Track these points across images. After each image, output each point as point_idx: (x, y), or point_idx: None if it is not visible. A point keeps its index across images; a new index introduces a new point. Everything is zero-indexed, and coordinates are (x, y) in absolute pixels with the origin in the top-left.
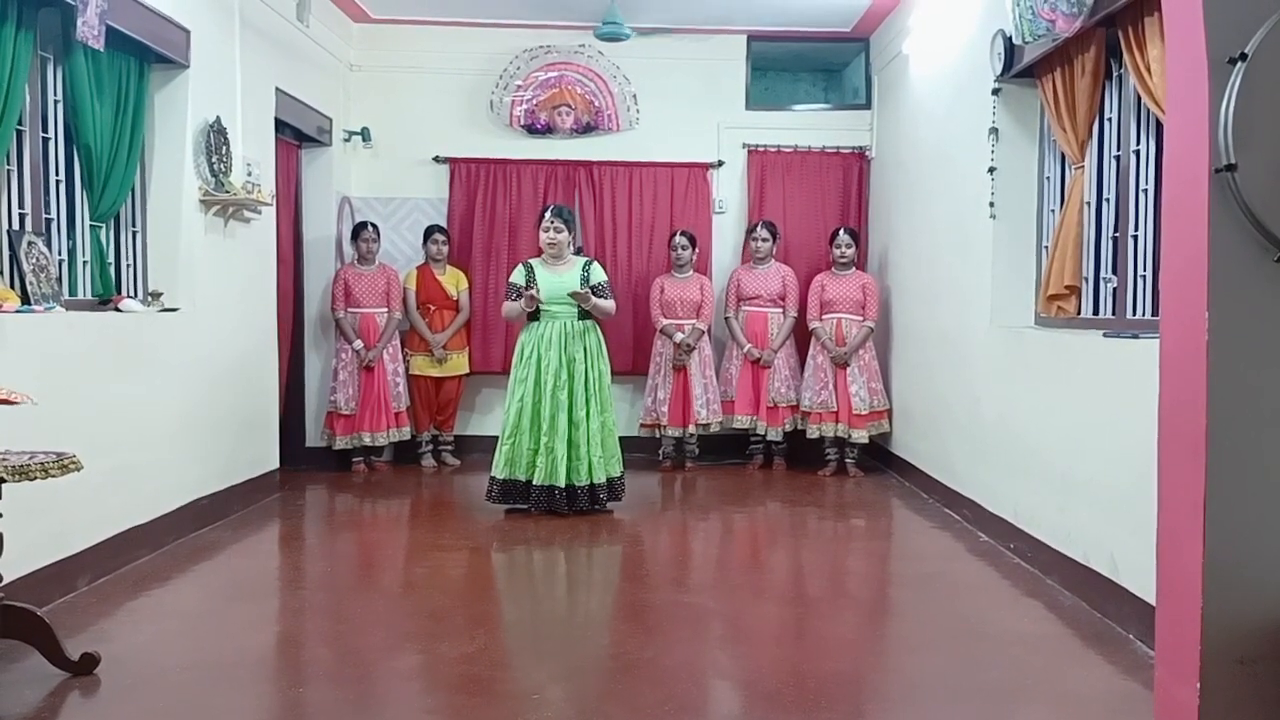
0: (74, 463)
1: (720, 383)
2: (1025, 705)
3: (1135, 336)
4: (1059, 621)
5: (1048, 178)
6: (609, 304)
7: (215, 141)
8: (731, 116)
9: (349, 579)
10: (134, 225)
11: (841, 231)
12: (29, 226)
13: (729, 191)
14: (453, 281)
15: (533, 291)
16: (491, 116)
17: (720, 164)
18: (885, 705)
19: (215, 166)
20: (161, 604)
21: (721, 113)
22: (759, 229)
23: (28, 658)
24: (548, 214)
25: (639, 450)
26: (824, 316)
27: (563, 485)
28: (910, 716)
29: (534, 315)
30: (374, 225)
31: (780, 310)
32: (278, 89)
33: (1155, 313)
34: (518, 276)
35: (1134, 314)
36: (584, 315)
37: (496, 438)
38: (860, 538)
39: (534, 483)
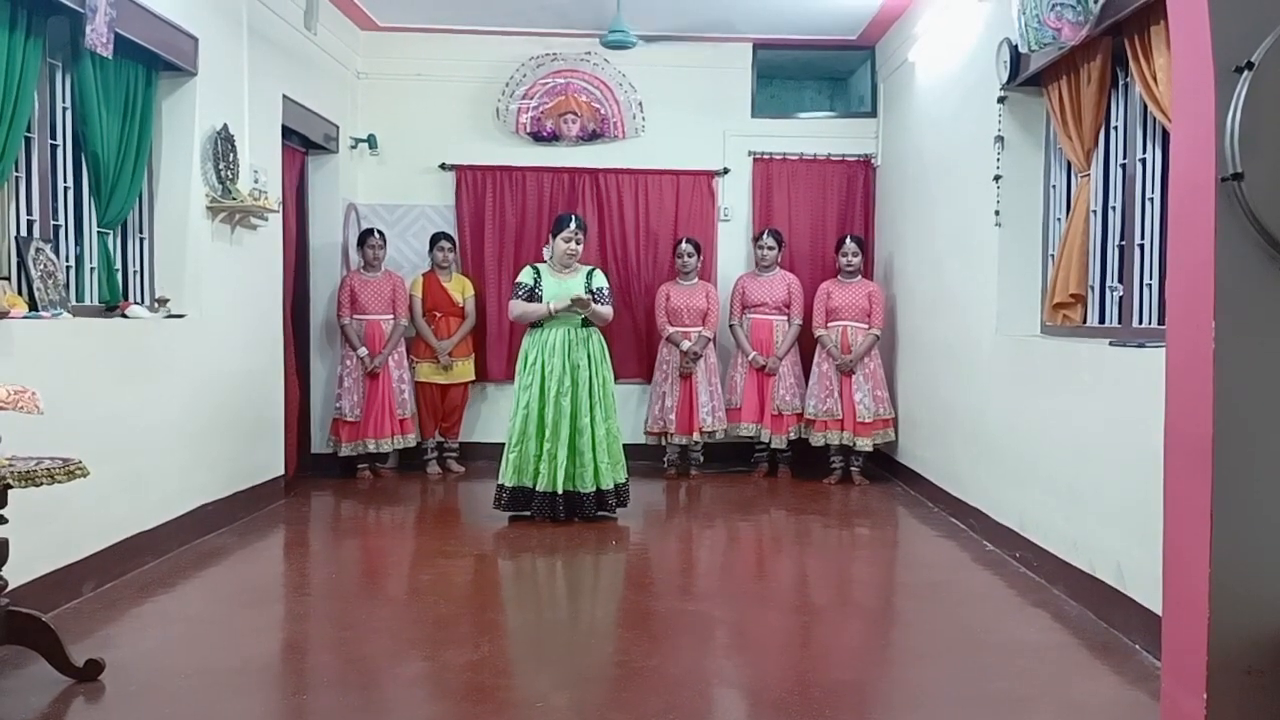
0: (80, 468)
1: (725, 390)
2: (1030, 715)
3: (1141, 345)
4: (1065, 631)
5: (1053, 186)
6: (606, 309)
7: (222, 148)
8: (737, 124)
9: (354, 586)
10: (141, 232)
11: (848, 239)
12: (37, 233)
13: (734, 199)
14: (458, 288)
15: (577, 297)
16: (497, 124)
17: (726, 172)
18: (890, 714)
19: (222, 173)
20: (167, 610)
21: (727, 120)
22: (765, 236)
23: (33, 664)
24: (572, 225)
25: (643, 458)
26: (829, 324)
27: (564, 491)
28: None
29: (538, 321)
30: (380, 232)
31: (785, 318)
32: (285, 96)
33: (1161, 321)
34: (526, 276)
35: (1140, 323)
36: (586, 322)
37: (502, 445)
38: (865, 546)
39: (538, 489)
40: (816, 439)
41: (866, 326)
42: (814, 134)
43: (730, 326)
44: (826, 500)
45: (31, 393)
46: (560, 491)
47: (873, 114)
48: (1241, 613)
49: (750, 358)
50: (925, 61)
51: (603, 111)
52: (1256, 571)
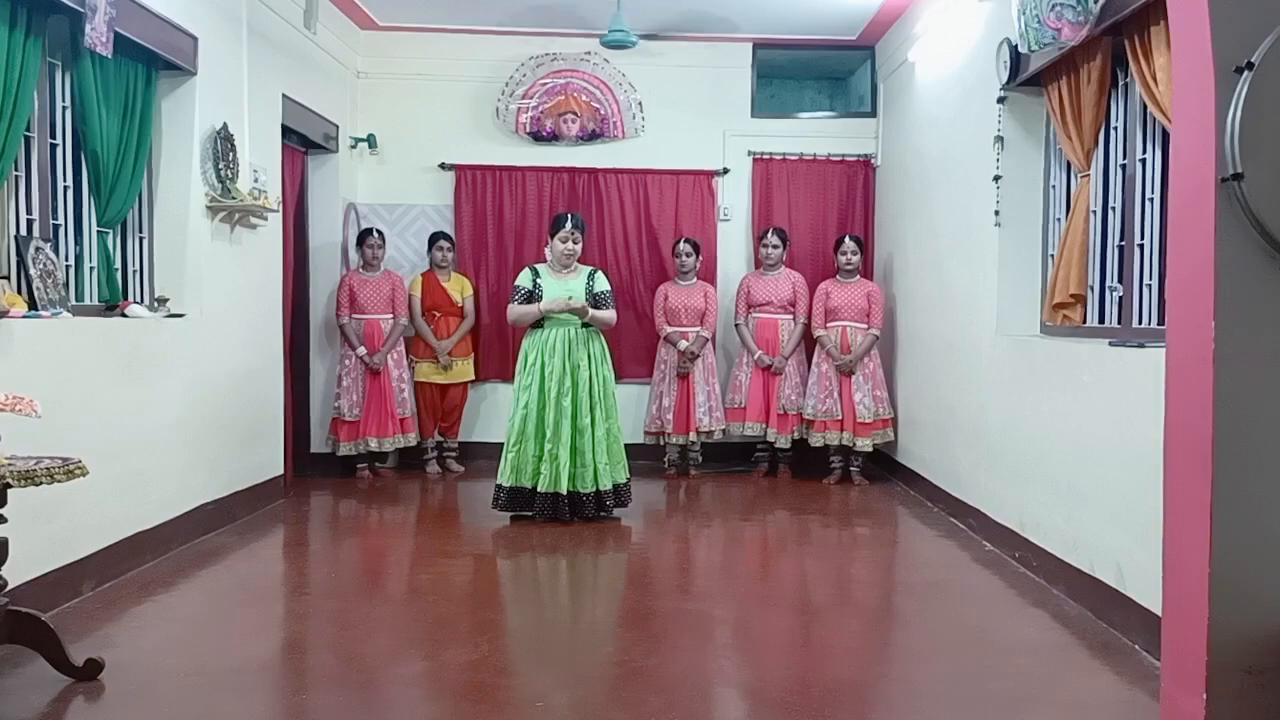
0: (80, 468)
1: (730, 390)
2: (1030, 714)
3: (1141, 345)
4: (1065, 631)
5: (1053, 186)
6: (609, 314)
7: (222, 148)
8: (737, 124)
9: (353, 585)
10: (141, 231)
11: (847, 238)
12: (37, 232)
13: (734, 199)
14: (458, 288)
15: (570, 301)
16: (497, 123)
17: (725, 171)
18: (890, 713)
19: (222, 173)
20: (166, 609)
21: (727, 120)
22: (769, 235)
23: (32, 663)
24: (568, 224)
25: (643, 457)
26: (829, 324)
27: (567, 492)
28: None
29: (538, 322)
30: (379, 231)
31: (790, 317)
32: (284, 96)
33: (1161, 321)
34: (524, 280)
35: (1140, 323)
36: (587, 323)
37: (501, 444)
38: (865, 546)
39: (539, 490)
40: (816, 439)
41: (866, 327)
42: (814, 134)
43: (736, 326)
44: (826, 500)
45: (30, 400)
46: (565, 492)
47: (872, 114)
48: (1241, 612)
49: (756, 357)
50: (925, 61)
51: (602, 111)
52: (1256, 571)
